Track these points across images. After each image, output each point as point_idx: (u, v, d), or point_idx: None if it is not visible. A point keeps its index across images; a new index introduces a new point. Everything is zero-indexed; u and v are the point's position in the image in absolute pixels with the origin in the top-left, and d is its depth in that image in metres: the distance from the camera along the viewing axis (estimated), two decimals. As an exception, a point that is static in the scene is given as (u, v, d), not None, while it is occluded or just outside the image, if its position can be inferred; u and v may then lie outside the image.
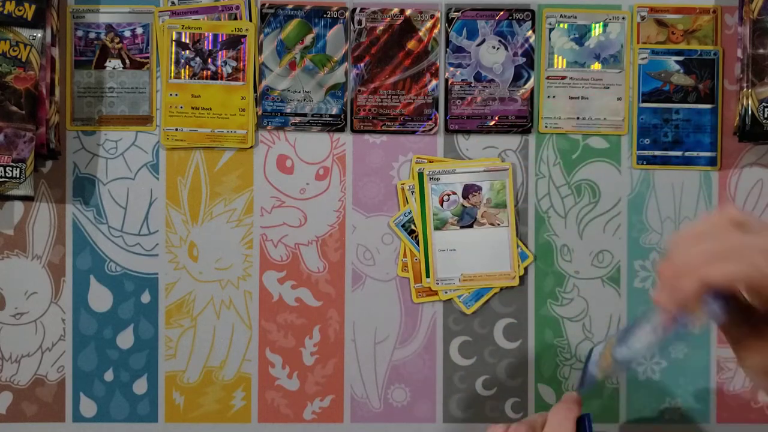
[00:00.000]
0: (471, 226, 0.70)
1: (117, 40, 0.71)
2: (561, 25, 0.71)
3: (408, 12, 0.71)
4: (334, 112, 0.71)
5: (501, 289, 0.71)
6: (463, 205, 0.70)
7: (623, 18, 0.71)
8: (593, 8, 0.72)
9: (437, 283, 0.70)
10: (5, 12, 0.66)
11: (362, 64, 0.71)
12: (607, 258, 0.72)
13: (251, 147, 0.71)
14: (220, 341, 0.71)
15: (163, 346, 0.71)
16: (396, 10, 0.71)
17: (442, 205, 0.70)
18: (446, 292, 0.71)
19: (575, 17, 0.71)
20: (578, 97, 0.72)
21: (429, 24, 0.71)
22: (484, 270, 0.70)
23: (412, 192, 0.71)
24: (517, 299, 0.71)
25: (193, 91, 0.71)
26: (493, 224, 0.70)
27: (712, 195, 0.72)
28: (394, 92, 0.71)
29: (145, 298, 0.71)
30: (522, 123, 0.71)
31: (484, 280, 0.70)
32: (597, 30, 0.71)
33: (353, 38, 0.71)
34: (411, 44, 0.71)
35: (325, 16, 0.71)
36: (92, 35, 0.71)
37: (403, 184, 0.71)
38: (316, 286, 0.72)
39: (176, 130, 0.71)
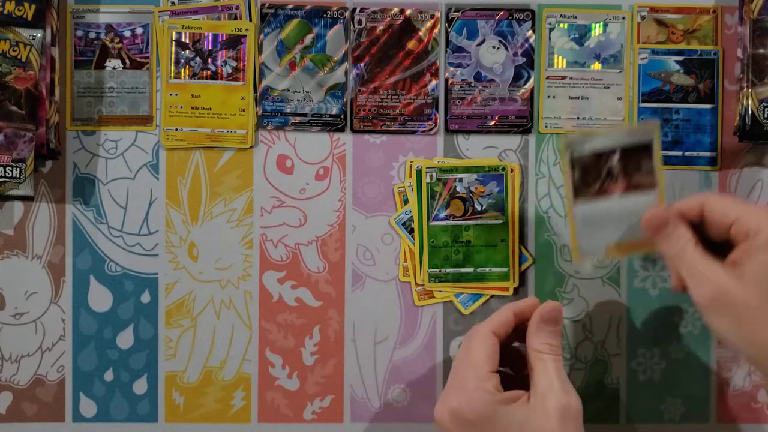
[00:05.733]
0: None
1: (117, 40, 0.71)
2: (561, 25, 0.71)
3: (408, 12, 0.71)
4: (334, 112, 0.71)
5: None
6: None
7: (623, 18, 0.71)
8: (593, 8, 0.72)
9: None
10: (5, 12, 0.66)
11: (362, 64, 0.71)
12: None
13: (251, 147, 0.71)
14: (220, 341, 0.71)
15: (163, 346, 0.71)
16: (396, 10, 0.71)
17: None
18: (440, 291, 0.71)
19: (575, 17, 0.71)
20: (578, 97, 0.72)
21: (429, 24, 0.71)
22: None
23: (411, 188, 0.71)
24: (517, 299, 0.71)
25: (193, 91, 0.71)
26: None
27: (712, 195, 0.72)
28: (394, 92, 0.71)
29: (145, 298, 0.71)
30: (522, 123, 0.71)
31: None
32: (597, 30, 0.71)
33: (353, 38, 0.71)
34: (411, 44, 0.71)
35: (325, 16, 0.71)
36: (92, 35, 0.71)
37: (400, 187, 0.71)
38: (316, 286, 0.72)
39: (176, 130, 0.71)
